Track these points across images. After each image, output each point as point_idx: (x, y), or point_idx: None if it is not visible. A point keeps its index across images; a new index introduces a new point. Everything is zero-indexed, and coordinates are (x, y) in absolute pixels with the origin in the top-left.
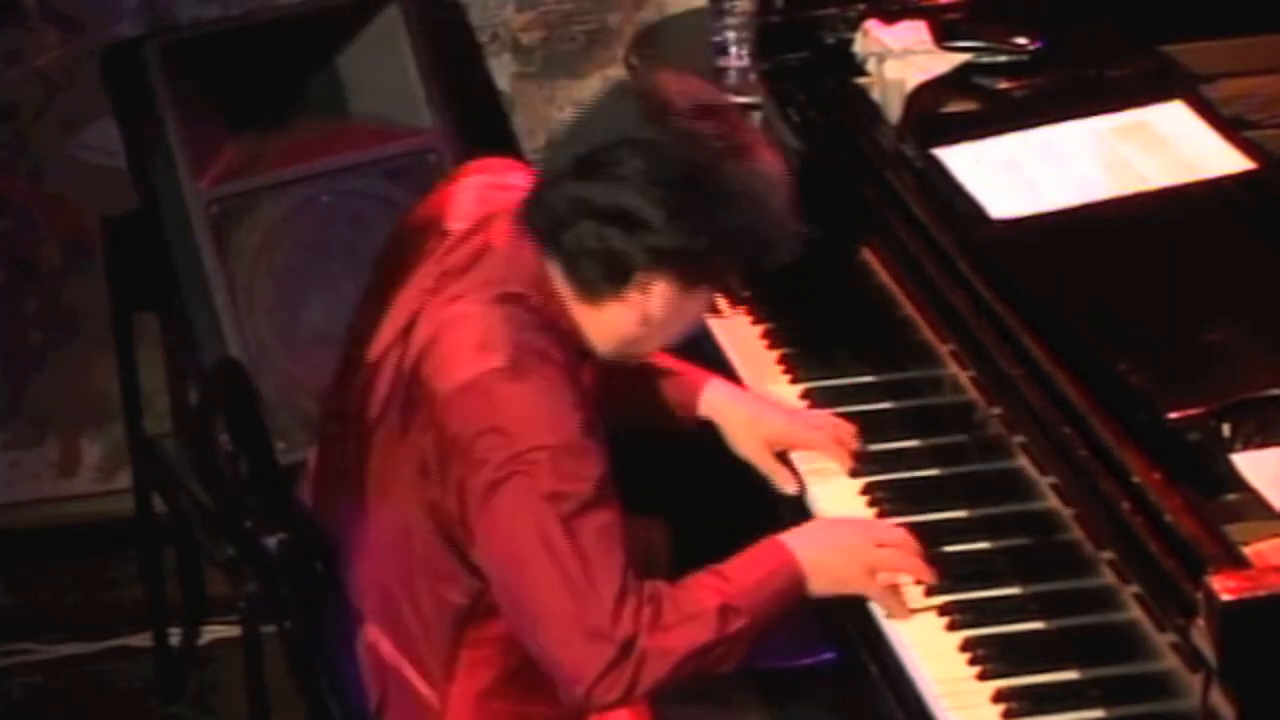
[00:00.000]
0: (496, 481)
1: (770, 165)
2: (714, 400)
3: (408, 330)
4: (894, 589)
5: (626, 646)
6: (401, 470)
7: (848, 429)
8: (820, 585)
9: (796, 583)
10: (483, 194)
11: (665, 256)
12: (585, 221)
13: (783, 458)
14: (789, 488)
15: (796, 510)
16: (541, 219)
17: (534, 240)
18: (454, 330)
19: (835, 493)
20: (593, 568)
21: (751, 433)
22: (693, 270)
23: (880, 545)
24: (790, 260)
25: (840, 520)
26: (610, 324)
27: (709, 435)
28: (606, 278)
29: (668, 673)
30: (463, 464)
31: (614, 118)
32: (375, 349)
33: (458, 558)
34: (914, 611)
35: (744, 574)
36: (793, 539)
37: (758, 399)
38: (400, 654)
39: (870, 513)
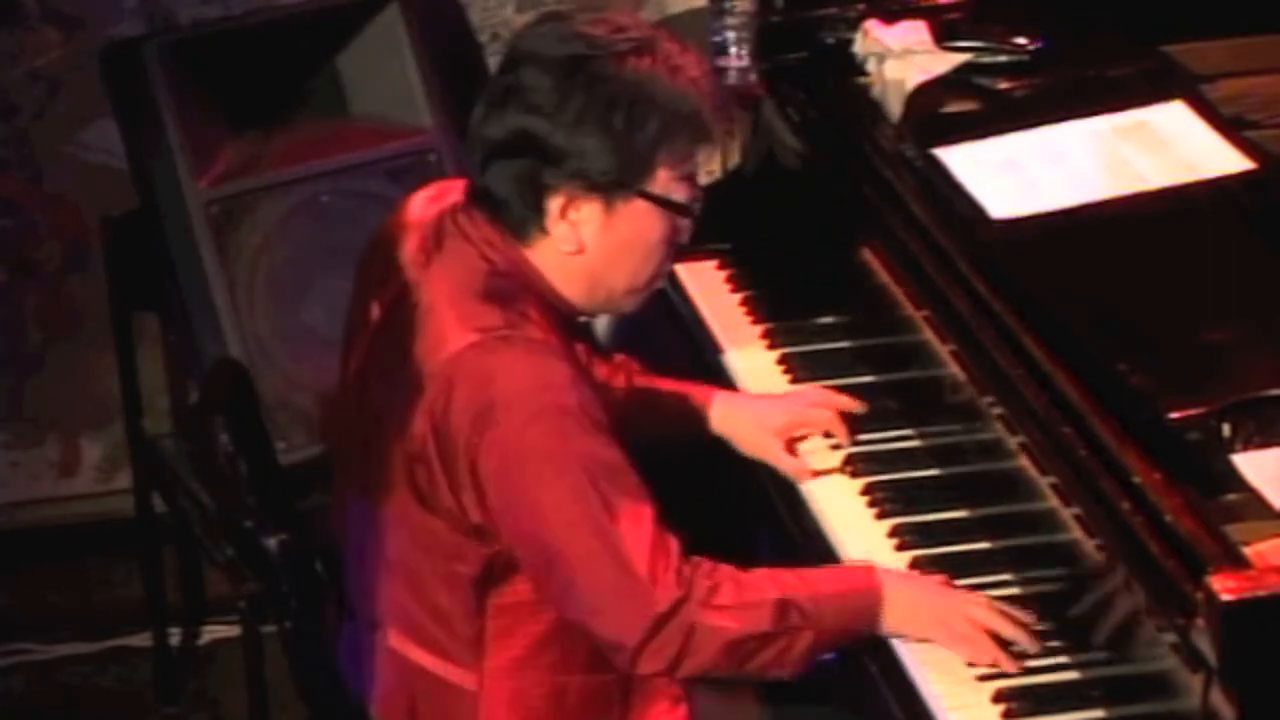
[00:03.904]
0: (507, 461)
1: (664, 61)
2: (720, 413)
3: (389, 317)
4: (988, 642)
5: (667, 614)
6: (392, 461)
7: (845, 399)
8: (895, 622)
9: (873, 608)
10: (440, 189)
11: (568, 167)
12: (497, 162)
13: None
14: (804, 476)
15: (791, 500)
16: (476, 178)
17: (480, 206)
18: (436, 307)
19: (835, 492)
20: (622, 535)
21: (759, 431)
22: (600, 177)
23: (975, 604)
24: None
25: (940, 584)
26: (557, 264)
27: (720, 446)
28: (526, 208)
29: (717, 654)
30: (468, 446)
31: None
32: (360, 348)
33: (459, 531)
34: (1009, 663)
35: (822, 582)
36: (887, 573)
37: (757, 399)
38: (426, 651)
39: (870, 513)
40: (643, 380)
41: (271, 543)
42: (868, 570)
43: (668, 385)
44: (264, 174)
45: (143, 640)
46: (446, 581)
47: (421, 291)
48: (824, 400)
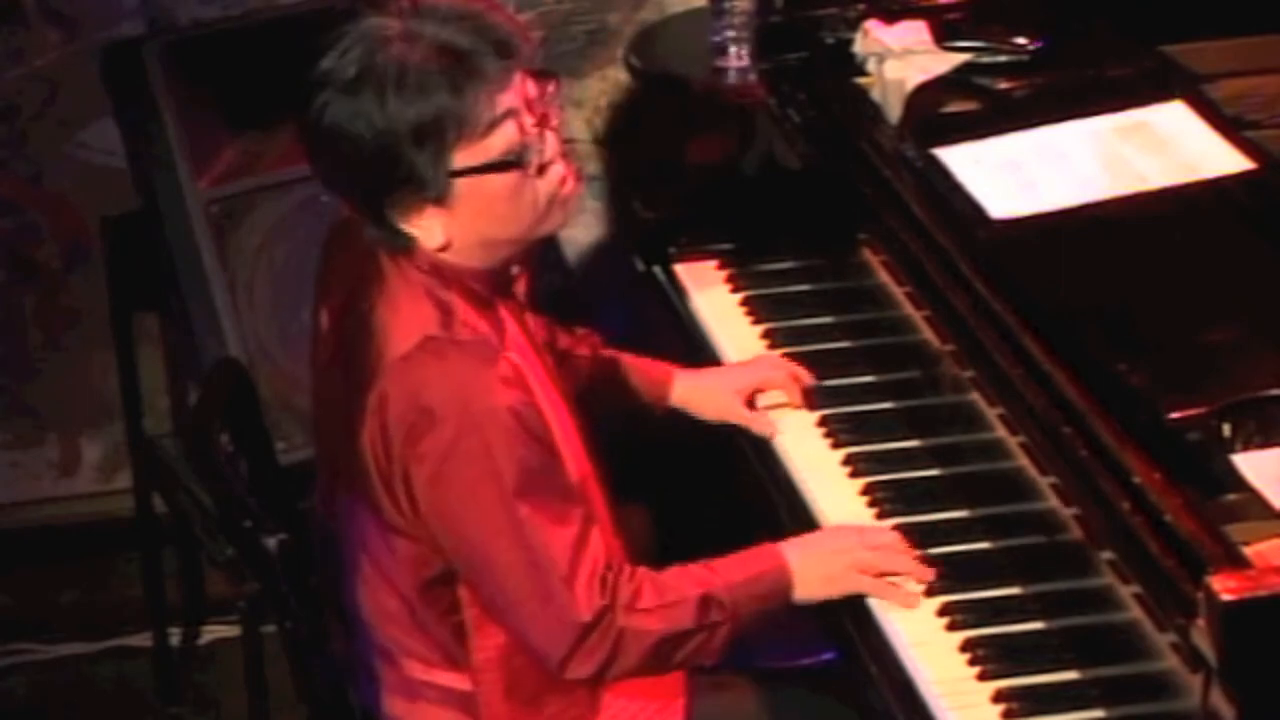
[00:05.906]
0: (437, 471)
1: (397, 40)
2: (682, 385)
3: (338, 326)
4: (886, 581)
5: (592, 623)
6: (351, 474)
7: (801, 369)
8: (809, 590)
9: (784, 587)
10: None
11: (382, 188)
12: (336, 195)
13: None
14: (768, 430)
15: (792, 500)
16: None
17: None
18: (373, 315)
19: (835, 492)
20: (546, 545)
21: (720, 395)
22: (412, 186)
23: (872, 548)
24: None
25: (835, 527)
26: (449, 252)
27: (686, 424)
28: (381, 230)
29: (644, 655)
30: (402, 456)
31: None
32: (319, 357)
33: (419, 540)
34: (910, 598)
35: (732, 571)
36: (787, 546)
37: (715, 369)
38: (418, 663)
39: (870, 513)
40: (607, 352)
41: (271, 543)
42: (772, 550)
43: (630, 358)
44: (264, 174)
45: (143, 640)
46: (416, 589)
47: (361, 300)
48: (779, 363)
